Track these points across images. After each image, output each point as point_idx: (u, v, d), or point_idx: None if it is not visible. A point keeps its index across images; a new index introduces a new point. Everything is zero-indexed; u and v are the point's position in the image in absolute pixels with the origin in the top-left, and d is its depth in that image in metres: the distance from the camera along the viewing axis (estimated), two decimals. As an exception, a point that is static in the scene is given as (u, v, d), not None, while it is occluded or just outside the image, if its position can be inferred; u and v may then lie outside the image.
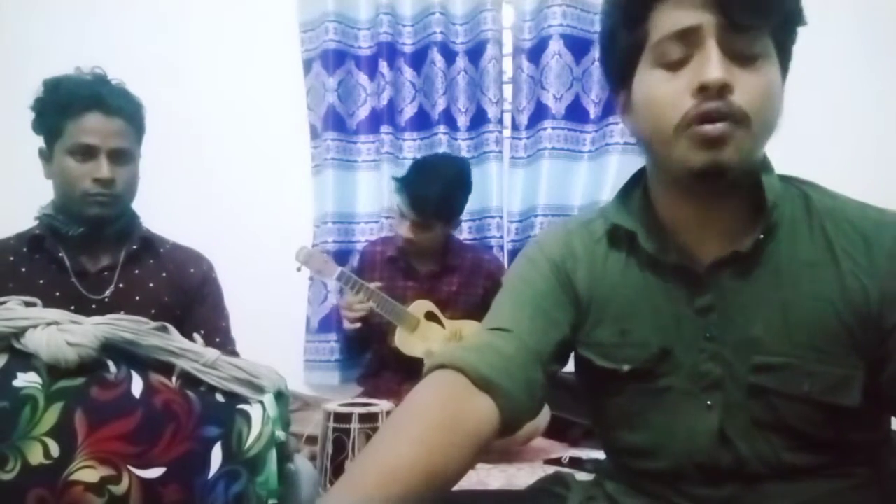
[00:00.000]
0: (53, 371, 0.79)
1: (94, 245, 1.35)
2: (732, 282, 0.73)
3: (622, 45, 0.74)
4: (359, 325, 1.91)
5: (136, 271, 1.38)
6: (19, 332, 0.80)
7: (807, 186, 0.77)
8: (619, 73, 0.76)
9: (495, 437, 0.71)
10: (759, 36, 0.67)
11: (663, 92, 0.69)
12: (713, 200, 0.74)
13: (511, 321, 0.78)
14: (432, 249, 2.07)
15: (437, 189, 1.89)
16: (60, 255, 1.31)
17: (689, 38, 0.67)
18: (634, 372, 0.77)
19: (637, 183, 0.83)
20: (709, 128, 0.66)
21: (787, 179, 0.78)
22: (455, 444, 0.64)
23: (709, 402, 0.73)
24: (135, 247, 1.38)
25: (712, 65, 0.65)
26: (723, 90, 0.65)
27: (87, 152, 1.29)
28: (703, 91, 0.66)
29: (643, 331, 0.77)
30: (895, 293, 0.68)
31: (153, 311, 1.34)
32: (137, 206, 1.43)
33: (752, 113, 0.66)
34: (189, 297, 1.42)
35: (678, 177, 0.72)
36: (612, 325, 0.79)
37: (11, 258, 1.31)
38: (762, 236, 0.72)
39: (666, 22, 0.69)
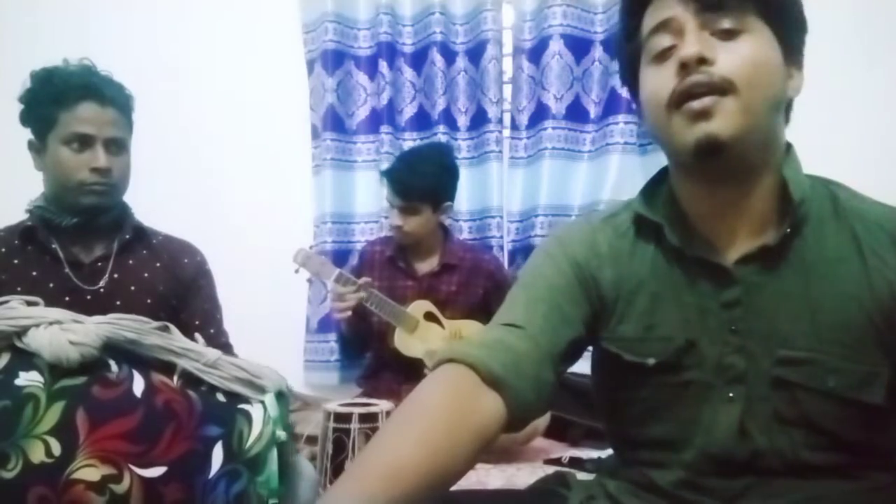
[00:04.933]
0: (55, 370, 0.79)
1: (88, 236, 1.34)
2: (759, 277, 0.74)
3: (625, 55, 0.80)
4: (349, 313, 1.91)
5: (130, 261, 1.37)
6: (21, 331, 0.80)
7: (834, 186, 0.78)
8: (630, 82, 0.81)
9: (500, 434, 0.71)
10: (739, 14, 0.70)
11: (655, 81, 0.74)
12: (730, 190, 0.75)
13: (524, 318, 0.77)
14: (427, 243, 2.07)
15: (417, 171, 1.94)
16: (53, 246, 1.30)
17: (670, 28, 0.72)
18: (659, 365, 0.77)
19: (662, 178, 0.84)
20: (694, 103, 0.69)
21: (814, 178, 0.79)
22: (460, 442, 0.64)
23: (731, 395, 0.73)
24: (127, 236, 1.37)
25: (688, 43, 0.70)
26: (701, 63, 0.69)
27: (83, 142, 1.28)
28: (685, 68, 0.69)
29: (669, 324, 0.77)
30: None
31: (149, 301, 1.34)
32: (137, 204, 1.43)
33: (737, 79, 0.68)
34: (184, 286, 1.42)
35: (683, 161, 0.75)
36: (637, 320, 0.79)
37: (3, 250, 1.29)
38: (789, 230, 0.73)
39: (650, 20, 0.74)
